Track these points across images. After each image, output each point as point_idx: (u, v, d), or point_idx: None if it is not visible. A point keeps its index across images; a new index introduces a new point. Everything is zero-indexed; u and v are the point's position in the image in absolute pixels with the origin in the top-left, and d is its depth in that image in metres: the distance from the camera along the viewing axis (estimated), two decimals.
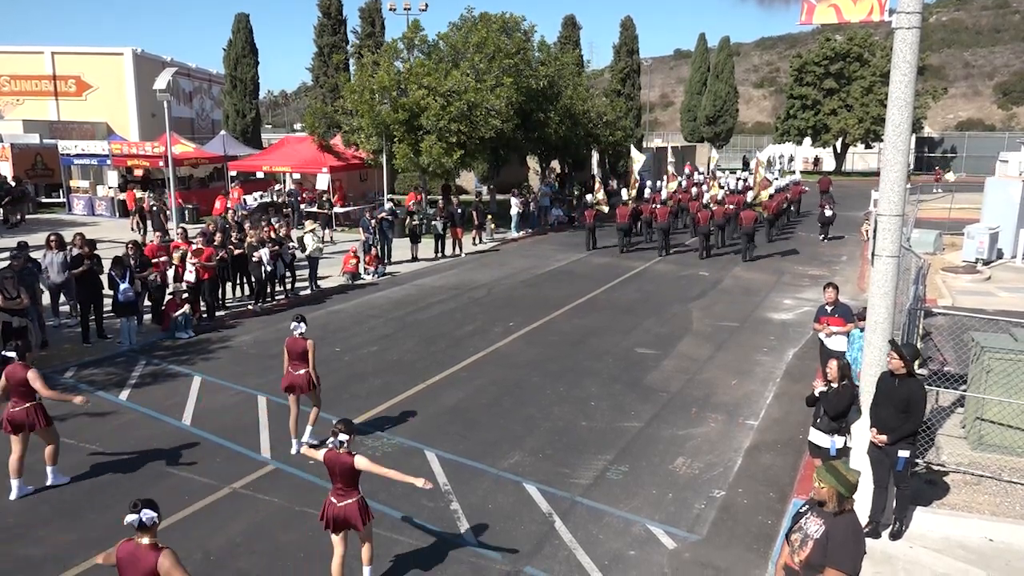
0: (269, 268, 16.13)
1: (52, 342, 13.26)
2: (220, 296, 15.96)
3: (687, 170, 37.27)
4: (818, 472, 4.77)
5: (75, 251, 13.67)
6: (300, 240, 18.48)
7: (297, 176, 31.24)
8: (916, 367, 7.71)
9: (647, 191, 28.61)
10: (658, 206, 24.56)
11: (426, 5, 31.72)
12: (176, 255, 14.98)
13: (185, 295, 14.36)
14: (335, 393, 11.23)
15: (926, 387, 7.76)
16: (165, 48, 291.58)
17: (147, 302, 14.76)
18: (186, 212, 26.97)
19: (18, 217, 26.39)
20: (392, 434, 9.78)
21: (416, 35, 27.58)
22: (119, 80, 40.08)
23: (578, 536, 7.47)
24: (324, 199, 27.30)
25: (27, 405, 8.01)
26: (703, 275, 20.73)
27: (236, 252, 16.20)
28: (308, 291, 17.91)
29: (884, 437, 7.17)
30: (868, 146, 58.68)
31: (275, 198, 27.41)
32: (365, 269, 19.89)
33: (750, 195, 24.97)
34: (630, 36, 44.25)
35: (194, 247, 14.97)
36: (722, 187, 27.95)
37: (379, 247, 20.69)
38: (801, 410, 10.43)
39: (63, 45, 41.36)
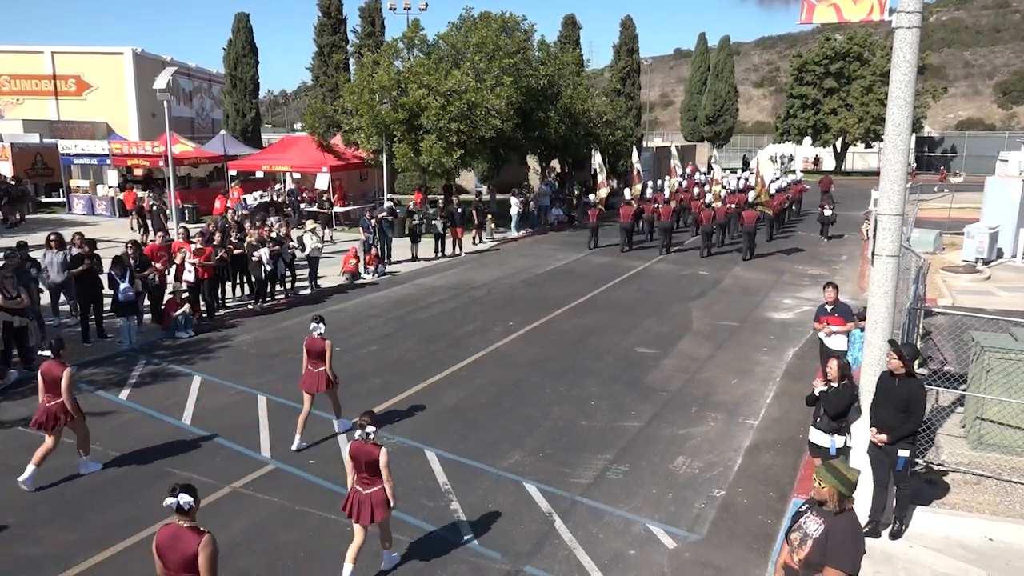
0: (269, 268, 16.12)
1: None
2: (220, 296, 15.95)
3: (688, 170, 37.26)
4: (818, 471, 4.77)
5: (75, 250, 13.66)
6: (300, 239, 18.48)
7: (297, 176, 31.23)
8: (916, 367, 7.71)
9: (649, 191, 28.76)
10: (660, 205, 24.68)
11: (426, 5, 31.73)
12: (179, 256, 14.97)
13: (185, 295, 14.37)
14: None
15: (926, 387, 7.76)
16: (165, 48, 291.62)
17: (147, 302, 14.75)
18: (186, 212, 26.98)
19: (18, 217, 26.39)
20: (392, 433, 9.77)
21: (416, 34, 27.58)
22: (119, 80, 40.09)
23: (578, 535, 7.47)
24: (324, 199, 27.29)
25: (60, 400, 8.22)
26: (703, 274, 20.73)
27: (236, 252, 16.19)
28: (308, 291, 17.90)
29: (884, 437, 7.17)
30: (868, 145, 58.68)
31: (275, 198, 27.41)
32: (365, 268, 19.89)
33: (751, 194, 25.03)
34: (630, 35, 44.25)
35: (194, 247, 14.96)
36: (724, 186, 27.98)
37: (379, 247, 20.69)
38: (801, 409, 10.43)
39: (63, 45, 41.35)
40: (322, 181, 28.23)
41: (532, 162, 38.69)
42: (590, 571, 6.90)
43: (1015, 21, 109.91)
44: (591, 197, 26.93)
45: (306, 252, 17.84)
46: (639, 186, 27.39)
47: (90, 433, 8.79)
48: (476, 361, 12.92)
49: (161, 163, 27.34)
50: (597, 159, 29.87)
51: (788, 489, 8.51)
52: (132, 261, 13.63)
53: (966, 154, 60.23)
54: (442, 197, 27.16)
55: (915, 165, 54.82)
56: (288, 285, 17.51)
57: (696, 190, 29.61)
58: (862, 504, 7.27)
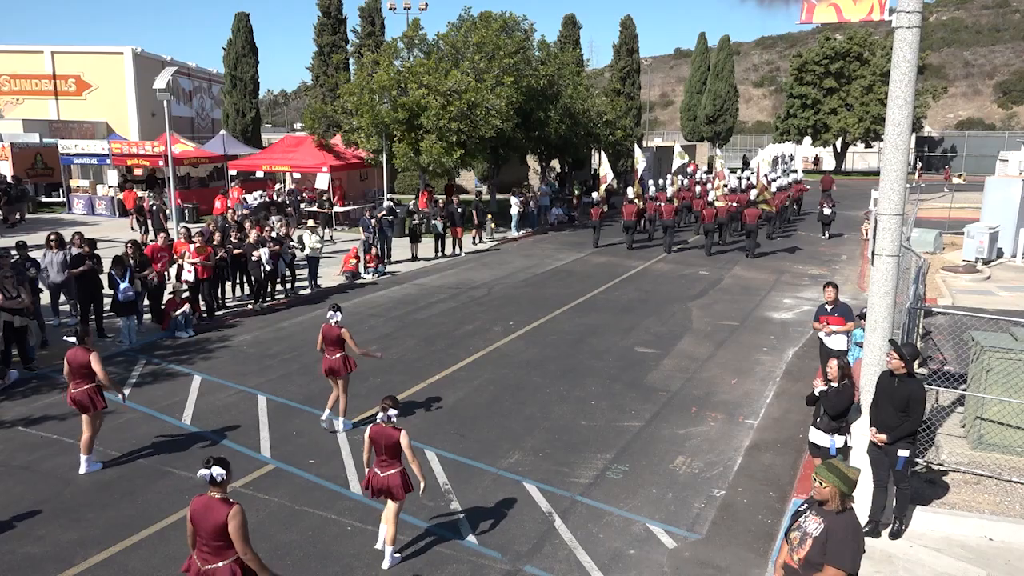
0: (268, 267, 16.12)
1: (52, 341, 13.24)
2: (220, 296, 15.95)
3: (690, 169, 37.31)
4: (819, 471, 4.76)
5: (74, 250, 13.66)
6: (300, 239, 18.49)
7: (297, 176, 31.24)
8: (916, 366, 7.71)
9: (651, 190, 28.85)
10: (663, 204, 24.83)
11: (426, 4, 31.75)
12: (181, 255, 14.97)
13: (185, 294, 14.37)
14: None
15: (926, 386, 7.76)
16: (165, 47, 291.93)
17: (146, 301, 14.75)
18: (186, 212, 26.97)
19: (17, 216, 26.38)
20: None
21: (416, 34, 27.57)
22: (119, 79, 40.10)
23: (578, 535, 7.47)
24: (324, 199, 27.30)
25: (87, 386, 8.46)
26: (703, 274, 20.73)
27: (236, 252, 16.19)
28: (308, 290, 17.90)
29: (884, 436, 7.18)
30: (868, 145, 58.70)
31: (275, 197, 27.41)
32: (365, 268, 19.89)
33: (753, 193, 25.20)
34: (630, 35, 44.24)
35: (194, 246, 14.96)
36: (726, 185, 28.08)
37: (379, 246, 20.69)
38: (801, 409, 10.44)
39: (63, 44, 41.39)
40: (322, 181, 28.23)
41: (532, 162, 38.70)
42: (590, 571, 6.90)
43: (1015, 21, 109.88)
44: (594, 196, 27.03)
45: (305, 252, 17.83)
46: (640, 185, 27.43)
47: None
48: (476, 361, 12.92)
49: (161, 163, 27.34)
50: (605, 166, 29.92)
51: (788, 489, 8.51)
52: (132, 261, 13.63)
53: (966, 154, 60.27)
54: (442, 197, 27.18)
55: (922, 164, 54.96)
56: (288, 285, 17.51)
57: (698, 189, 29.67)
58: (862, 504, 7.27)
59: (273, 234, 16.84)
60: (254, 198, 27.24)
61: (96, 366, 8.36)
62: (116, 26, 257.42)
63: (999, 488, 8.35)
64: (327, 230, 24.75)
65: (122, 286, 13.00)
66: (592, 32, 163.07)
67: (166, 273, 14.85)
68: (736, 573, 6.96)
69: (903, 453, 7.16)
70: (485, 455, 9.20)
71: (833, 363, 7.57)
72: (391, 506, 6.79)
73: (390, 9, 31.30)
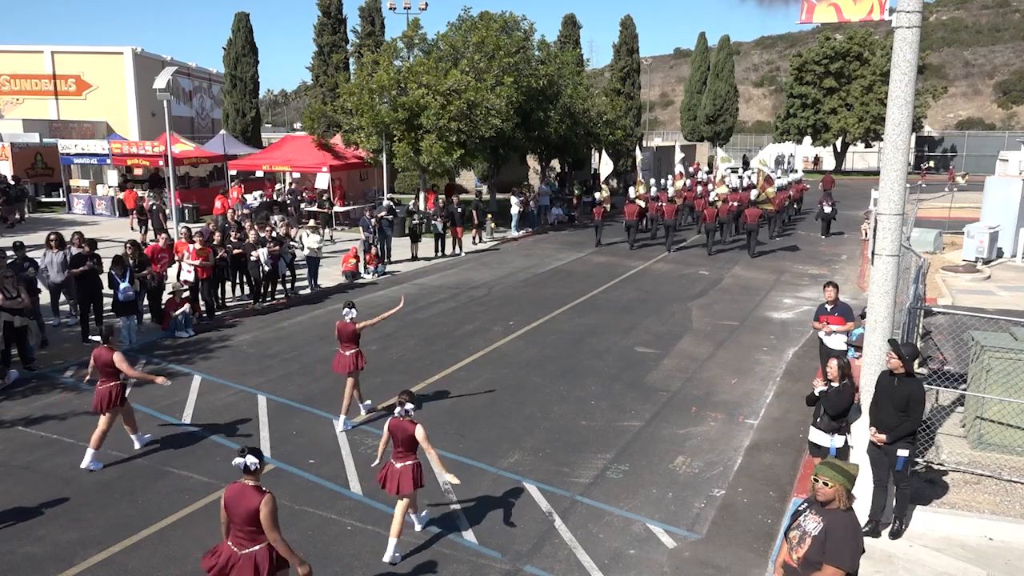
0: (267, 268, 16.11)
1: (52, 341, 13.27)
2: (220, 295, 15.95)
3: (692, 168, 37.45)
4: (821, 471, 4.72)
5: (75, 250, 13.66)
6: (300, 238, 18.49)
7: (297, 175, 31.24)
8: (916, 366, 7.71)
9: (653, 189, 29.04)
10: (664, 204, 24.97)
11: (426, 4, 31.70)
12: (182, 256, 14.97)
13: (185, 294, 14.36)
14: (335, 392, 11.22)
15: (926, 386, 7.76)
16: (165, 47, 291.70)
17: (146, 301, 14.74)
18: (186, 211, 26.97)
19: (17, 216, 26.37)
20: None
21: (416, 33, 27.57)
22: (119, 79, 40.09)
23: (578, 535, 7.47)
24: (324, 198, 27.30)
25: (112, 384, 8.71)
26: (703, 274, 20.73)
27: (236, 252, 16.18)
28: (308, 290, 17.90)
29: (883, 436, 7.18)
30: (868, 145, 58.72)
31: (275, 197, 27.41)
32: (365, 268, 19.89)
33: (754, 193, 25.33)
34: (630, 35, 44.26)
35: (192, 247, 14.95)
36: (727, 185, 28.16)
37: (379, 246, 20.69)
38: (801, 409, 10.44)
39: (63, 44, 41.38)
40: (322, 181, 28.24)
41: (532, 162, 38.69)
42: (590, 571, 6.90)
43: (1015, 21, 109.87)
44: (596, 195, 27.16)
45: (305, 251, 17.82)
46: (641, 184, 27.51)
47: (88, 432, 8.80)
48: (476, 361, 12.92)
49: (161, 163, 27.34)
50: (606, 165, 29.98)
51: (788, 488, 8.51)
52: (131, 261, 13.63)
53: (966, 154, 60.29)
54: (442, 196, 27.18)
55: (931, 164, 55.17)
56: (288, 285, 17.50)
57: (699, 188, 29.80)
58: (862, 504, 7.27)
59: (273, 234, 16.84)
60: (254, 198, 27.24)
61: (121, 364, 8.65)
62: (116, 26, 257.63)
63: (999, 488, 8.35)
64: (327, 230, 24.75)
65: (122, 286, 12.99)
66: (592, 32, 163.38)
67: (165, 273, 14.85)
68: (736, 573, 6.96)
69: (903, 453, 7.16)
70: (485, 455, 9.20)
71: (833, 363, 7.57)
72: (405, 497, 7.01)
73: (390, 9, 31.29)
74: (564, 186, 35.86)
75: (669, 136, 77.85)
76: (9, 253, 12.94)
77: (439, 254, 23.01)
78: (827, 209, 27.31)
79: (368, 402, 10.50)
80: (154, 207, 24.08)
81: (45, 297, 14.09)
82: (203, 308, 15.10)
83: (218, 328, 14.76)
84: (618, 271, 21.06)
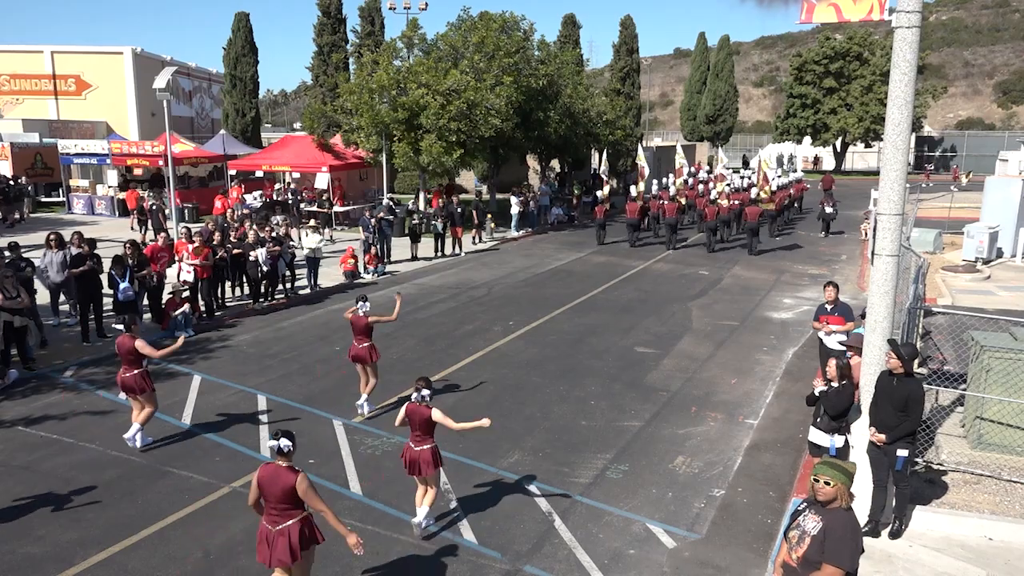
0: (266, 268, 16.11)
1: (52, 341, 13.26)
2: (220, 295, 15.94)
3: (694, 168, 37.57)
4: (821, 471, 4.70)
5: (74, 250, 13.65)
6: (299, 239, 18.49)
7: (296, 175, 31.25)
8: (915, 366, 7.71)
9: (654, 188, 29.33)
10: (666, 202, 25.08)
11: (426, 4, 31.70)
12: (181, 256, 14.97)
13: (185, 294, 14.36)
14: (335, 392, 11.25)
15: (925, 386, 7.76)
16: (165, 47, 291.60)
17: (146, 301, 14.74)
18: (185, 211, 26.96)
19: (16, 216, 26.35)
20: (392, 433, 9.77)
21: (415, 33, 27.56)
22: (119, 79, 40.08)
23: (578, 535, 7.47)
24: (324, 198, 27.30)
25: (136, 371, 9.06)
26: (703, 274, 20.73)
27: (235, 252, 16.18)
28: (308, 290, 17.89)
29: (883, 436, 7.18)
30: (868, 145, 58.73)
31: (276, 197, 27.41)
32: (365, 268, 19.88)
33: (754, 192, 25.50)
34: (630, 35, 44.24)
35: (191, 247, 14.95)
36: (728, 184, 28.28)
37: (379, 246, 20.68)
38: (801, 409, 10.44)
39: (63, 44, 41.36)
40: (321, 181, 28.24)
41: (532, 162, 38.68)
42: (590, 571, 6.90)
43: (1015, 21, 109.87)
44: (598, 194, 27.29)
45: (305, 251, 17.82)
46: (643, 184, 27.60)
47: (88, 433, 8.81)
48: (476, 361, 12.92)
49: (161, 163, 27.33)
50: (604, 165, 30.05)
51: (788, 488, 8.51)
52: (131, 261, 13.62)
53: (966, 154, 60.29)
54: (442, 196, 27.20)
55: (933, 166, 55.39)
56: (288, 285, 17.50)
57: (701, 187, 29.94)
58: (862, 503, 7.27)
59: (273, 234, 16.83)
60: (254, 198, 27.24)
61: (144, 349, 8.98)
62: (116, 26, 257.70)
63: (999, 488, 8.35)
64: (327, 230, 24.75)
65: (122, 286, 13.00)
66: (592, 32, 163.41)
67: (165, 273, 14.84)
68: (736, 573, 6.96)
69: (902, 453, 7.16)
70: (485, 455, 9.20)
71: (832, 363, 7.57)
72: (424, 481, 7.32)
73: (390, 9, 31.29)
74: (564, 186, 35.87)
75: (669, 136, 77.85)
76: (6, 253, 12.93)
77: (439, 254, 23.01)
78: (828, 209, 27.50)
79: (361, 405, 10.47)
80: (154, 207, 24.09)
81: (42, 297, 14.08)
82: (203, 308, 15.09)
83: (218, 328, 14.76)
84: (618, 271, 21.06)
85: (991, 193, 22.63)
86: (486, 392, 11.40)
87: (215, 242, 15.56)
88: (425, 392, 7.18)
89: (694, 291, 18.56)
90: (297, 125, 73.70)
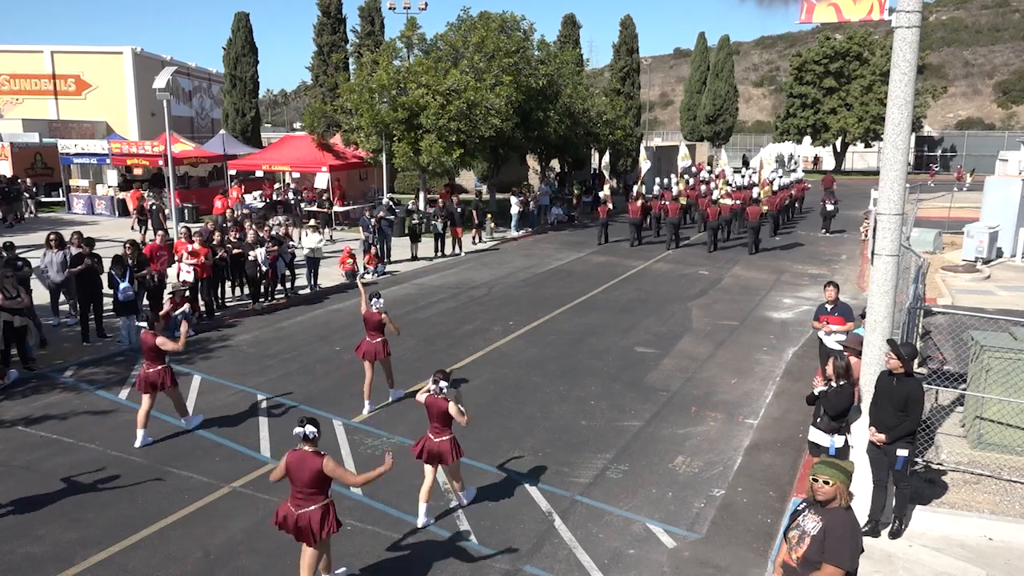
0: (265, 268, 16.10)
1: (51, 341, 13.26)
2: (220, 295, 15.94)
3: (695, 168, 37.64)
4: (820, 470, 4.70)
5: (74, 250, 13.66)
6: (299, 239, 18.48)
7: (296, 175, 31.26)
8: (915, 366, 7.71)
9: (656, 187, 29.47)
10: (668, 202, 25.21)
11: (425, 4, 31.68)
12: (181, 257, 14.96)
13: (186, 294, 14.34)
14: (335, 392, 11.25)
15: (925, 386, 7.76)
16: (165, 47, 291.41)
17: (146, 301, 14.73)
18: (185, 211, 26.96)
19: (15, 216, 26.33)
20: (392, 432, 9.78)
21: (413, 33, 27.55)
22: (119, 79, 40.07)
23: (578, 535, 7.47)
24: (324, 198, 27.30)
25: (158, 367, 9.33)
26: (703, 274, 20.73)
27: (235, 251, 16.18)
28: (308, 290, 17.89)
29: (883, 436, 7.18)
30: (868, 145, 58.73)
31: (276, 197, 27.41)
32: (365, 268, 19.88)
33: (755, 191, 25.60)
34: (630, 35, 44.22)
35: (190, 247, 14.94)
36: (729, 184, 28.36)
37: (378, 246, 20.68)
38: (801, 409, 10.44)
39: (63, 44, 41.35)
40: (321, 180, 28.24)
41: (532, 162, 38.68)
42: (590, 570, 6.91)
43: (1015, 20, 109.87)
44: (600, 194, 27.39)
45: (305, 251, 17.82)
46: (643, 183, 27.69)
47: (88, 432, 8.81)
48: (476, 361, 12.92)
49: (161, 163, 27.32)
50: (606, 161, 30.12)
51: (788, 488, 8.51)
52: (130, 261, 13.62)
53: (965, 153, 60.30)
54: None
55: (938, 167, 55.47)
56: (288, 285, 17.50)
57: (703, 187, 30.03)
58: (862, 503, 7.28)
59: (272, 233, 16.82)
60: (254, 198, 27.23)
61: (165, 345, 9.21)
62: (116, 26, 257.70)
63: (999, 488, 8.35)
64: (327, 230, 24.75)
65: (122, 286, 12.99)
66: (592, 32, 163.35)
67: (165, 271, 14.83)
68: (736, 572, 6.96)
69: (902, 453, 7.16)
70: (485, 455, 9.20)
71: (831, 362, 7.57)
72: (448, 469, 7.68)
73: (390, 9, 31.26)
74: (564, 186, 35.88)
75: (669, 136, 77.87)
76: (3, 253, 12.93)
77: (439, 254, 23.01)
78: (829, 207, 27.97)
79: (370, 407, 10.57)
80: (154, 207, 24.08)
81: (42, 297, 14.09)
82: (203, 308, 15.08)
83: (218, 328, 14.76)
84: (618, 271, 21.06)
85: (991, 193, 22.63)
86: (486, 392, 11.40)
87: (215, 242, 15.55)
88: (443, 384, 7.47)
89: (694, 291, 18.57)
90: (297, 125, 73.68)
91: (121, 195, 29.29)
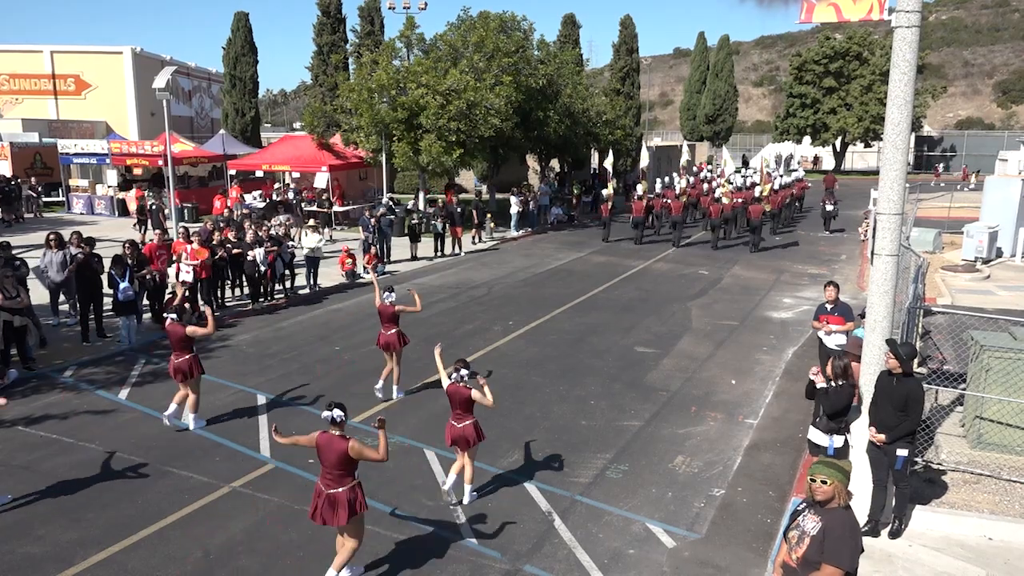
0: (263, 268, 16.09)
1: (51, 341, 13.25)
2: (219, 295, 15.94)
3: (696, 168, 37.79)
4: (818, 471, 4.70)
5: (74, 250, 13.65)
6: (300, 238, 18.48)
7: (296, 175, 31.26)
8: (915, 366, 7.71)
9: (658, 186, 29.57)
10: (671, 201, 25.35)
11: (425, 4, 31.66)
12: (180, 257, 14.96)
13: (186, 294, 14.34)
14: (335, 392, 11.24)
15: (925, 386, 7.76)
16: (164, 47, 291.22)
17: (146, 300, 14.74)
18: (185, 211, 26.96)
19: (14, 216, 26.30)
20: (392, 432, 9.76)
21: (412, 32, 27.55)
22: (118, 79, 40.06)
23: (578, 535, 7.47)
24: (323, 198, 27.30)
25: (187, 356, 9.61)
26: (703, 274, 20.73)
27: (235, 251, 16.17)
28: (307, 290, 17.89)
29: (883, 436, 7.18)
30: (867, 145, 58.74)
31: (276, 197, 27.40)
32: (364, 268, 19.88)
33: (757, 190, 25.71)
34: (630, 35, 44.23)
35: (190, 248, 14.94)
36: (730, 183, 28.46)
37: (378, 246, 20.68)
38: (800, 408, 10.45)
39: (62, 44, 41.35)
40: (321, 180, 28.23)
41: (532, 162, 38.69)
42: (590, 570, 6.91)
43: (1015, 20, 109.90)
44: (603, 193, 27.48)
45: (305, 251, 17.81)
46: (645, 182, 27.73)
47: (88, 432, 8.80)
48: (476, 360, 12.90)
49: (160, 162, 27.31)
50: (610, 160, 30.15)
51: (787, 488, 8.51)
52: (130, 261, 13.62)
53: (965, 153, 60.31)
54: (442, 196, 27.21)
55: (943, 166, 55.67)
56: (288, 285, 17.50)
57: (705, 186, 30.13)
58: (861, 503, 7.28)
59: (270, 232, 16.81)
60: (254, 198, 27.22)
61: (197, 333, 9.56)
62: (116, 26, 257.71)
63: (998, 487, 8.35)
64: (327, 230, 24.75)
65: (122, 286, 12.99)
66: (592, 32, 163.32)
67: (165, 271, 14.83)
68: (735, 572, 6.97)
69: (902, 452, 7.16)
70: (485, 455, 9.19)
71: (831, 362, 7.57)
72: (466, 454, 7.84)
73: (389, 8, 31.24)
74: (564, 186, 35.88)
75: (669, 136, 77.89)
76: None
77: (439, 254, 23.01)
78: (829, 207, 28.15)
79: (382, 385, 11.01)
80: (154, 207, 24.07)
81: (39, 297, 14.06)
82: (202, 308, 15.06)
83: (218, 328, 14.73)
84: (618, 270, 21.06)
85: (991, 193, 22.64)
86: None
87: (214, 242, 15.55)
88: (464, 372, 7.73)
89: (694, 291, 18.57)
90: (297, 125, 73.67)
91: (121, 195, 29.28)
